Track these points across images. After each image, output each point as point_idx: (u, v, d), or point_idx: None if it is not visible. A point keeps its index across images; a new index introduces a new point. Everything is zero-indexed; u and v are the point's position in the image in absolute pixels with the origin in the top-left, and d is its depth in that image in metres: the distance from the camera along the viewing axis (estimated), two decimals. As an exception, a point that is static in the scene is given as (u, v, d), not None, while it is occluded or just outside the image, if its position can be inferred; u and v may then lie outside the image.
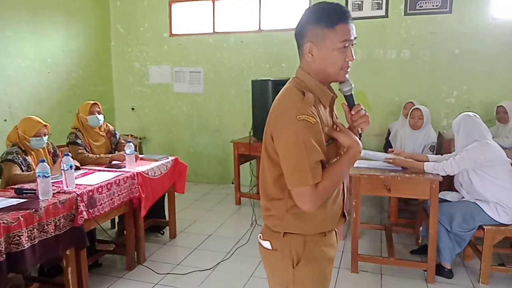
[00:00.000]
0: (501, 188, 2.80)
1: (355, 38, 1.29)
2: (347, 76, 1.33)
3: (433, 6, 4.63)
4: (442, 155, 3.20)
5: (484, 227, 2.81)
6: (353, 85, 1.35)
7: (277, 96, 1.34)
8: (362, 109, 1.34)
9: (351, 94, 1.36)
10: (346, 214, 1.46)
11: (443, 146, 3.73)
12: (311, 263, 1.36)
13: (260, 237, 1.44)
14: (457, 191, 3.08)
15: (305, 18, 1.30)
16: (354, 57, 1.29)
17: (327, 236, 1.40)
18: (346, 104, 1.37)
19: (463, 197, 2.99)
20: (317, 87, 1.32)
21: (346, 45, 1.26)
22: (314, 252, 1.36)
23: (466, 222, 2.83)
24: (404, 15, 4.76)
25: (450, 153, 3.22)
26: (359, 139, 1.34)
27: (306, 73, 1.33)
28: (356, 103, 1.36)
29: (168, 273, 3.06)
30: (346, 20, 1.26)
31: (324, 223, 1.36)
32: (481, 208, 2.82)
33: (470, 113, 3.01)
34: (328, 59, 1.28)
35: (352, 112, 1.34)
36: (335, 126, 1.37)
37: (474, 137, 2.85)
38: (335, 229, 1.47)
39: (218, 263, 3.24)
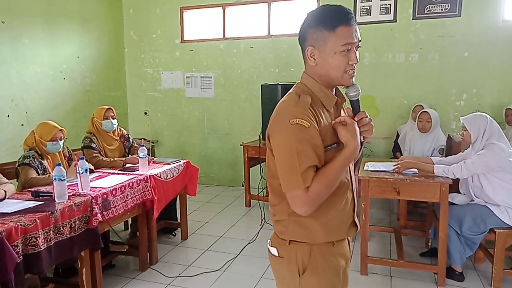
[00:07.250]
0: None
1: (360, 41, 1.23)
2: (353, 80, 1.27)
3: (442, 9, 4.61)
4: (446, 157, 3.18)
5: (496, 230, 2.77)
6: (360, 90, 1.30)
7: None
8: (366, 116, 1.28)
9: (357, 100, 1.30)
10: (357, 223, 1.40)
11: (452, 149, 3.70)
12: (318, 273, 1.30)
13: (268, 243, 1.40)
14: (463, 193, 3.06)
15: (307, 21, 1.27)
16: (358, 60, 1.23)
17: (336, 246, 1.33)
18: (351, 109, 1.31)
19: (472, 200, 2.96)
20: (320, 91, 1.28)
21: (349, 48, 1.20)
22: (320, 261, 1.30)
23: (477, 225, 2.80)
24: (413, 19, 4.75)
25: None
26: (361, 147, 1.29)
27: (310, 77, 1.30)
28: (361, 110, 1.30)
29: (179, 275, 3.10)
30: (347, 22, 1.20)
31: (330, 232, 1.30)
32: (492, 211, 2.79)
33: (484, 114, 2.93)
34: (330, 63, 1.23)
35: (356, 119, 1.27)
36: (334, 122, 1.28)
37: (494, 140, 2.81)
38: (348, 238, 1.40)
39: (229, 265, 3.27)
